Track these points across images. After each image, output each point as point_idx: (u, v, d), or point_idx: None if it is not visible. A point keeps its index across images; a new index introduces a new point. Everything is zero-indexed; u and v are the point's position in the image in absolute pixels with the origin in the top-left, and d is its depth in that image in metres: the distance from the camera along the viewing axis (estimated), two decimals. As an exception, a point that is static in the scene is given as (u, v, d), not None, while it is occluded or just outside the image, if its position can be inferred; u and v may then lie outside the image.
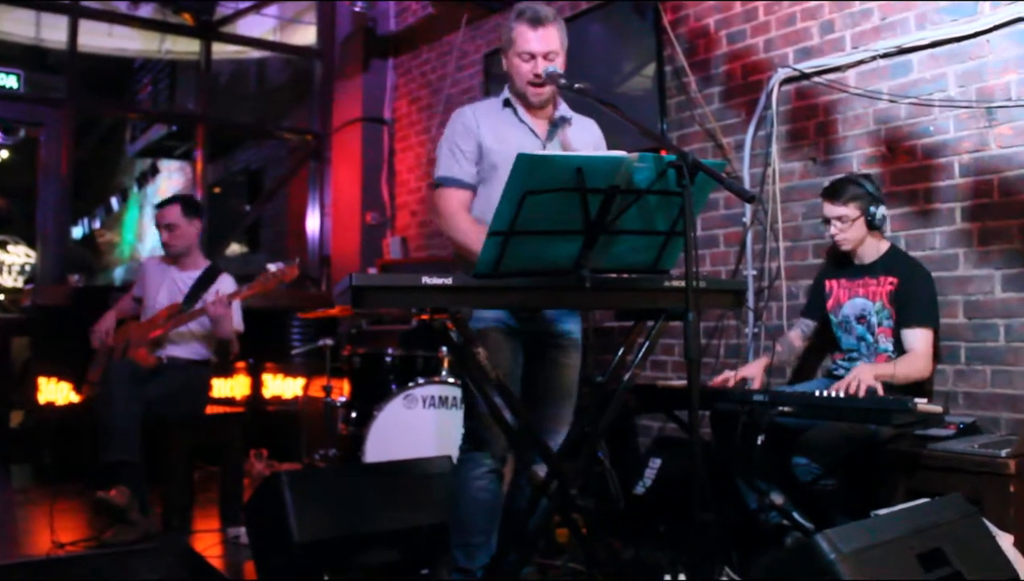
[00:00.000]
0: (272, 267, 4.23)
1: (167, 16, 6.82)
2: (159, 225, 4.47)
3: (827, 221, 3.44)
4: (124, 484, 3.83)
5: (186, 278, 4.44)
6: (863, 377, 3.07)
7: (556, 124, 2.92)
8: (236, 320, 4.38)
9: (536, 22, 2.80)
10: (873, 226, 3.39)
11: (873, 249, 3.44)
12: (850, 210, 3.36)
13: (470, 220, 2.82)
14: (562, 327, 2.89)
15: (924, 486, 2.92)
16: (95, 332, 4.37)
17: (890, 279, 3.36)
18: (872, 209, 3.35)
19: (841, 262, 3.58)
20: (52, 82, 7.62)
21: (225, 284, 4.41)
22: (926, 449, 3.01)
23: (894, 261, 3.41)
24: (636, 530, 3.73)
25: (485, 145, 2.82)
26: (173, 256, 4.48)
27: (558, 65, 2.83)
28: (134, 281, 4.73)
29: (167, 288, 4.44)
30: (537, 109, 2.90)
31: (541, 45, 2.80)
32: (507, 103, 2.91)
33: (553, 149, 2.90)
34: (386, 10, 7.13)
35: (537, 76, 2.80)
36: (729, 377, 3.47)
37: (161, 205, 4.53)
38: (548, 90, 2.84)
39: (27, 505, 4.72)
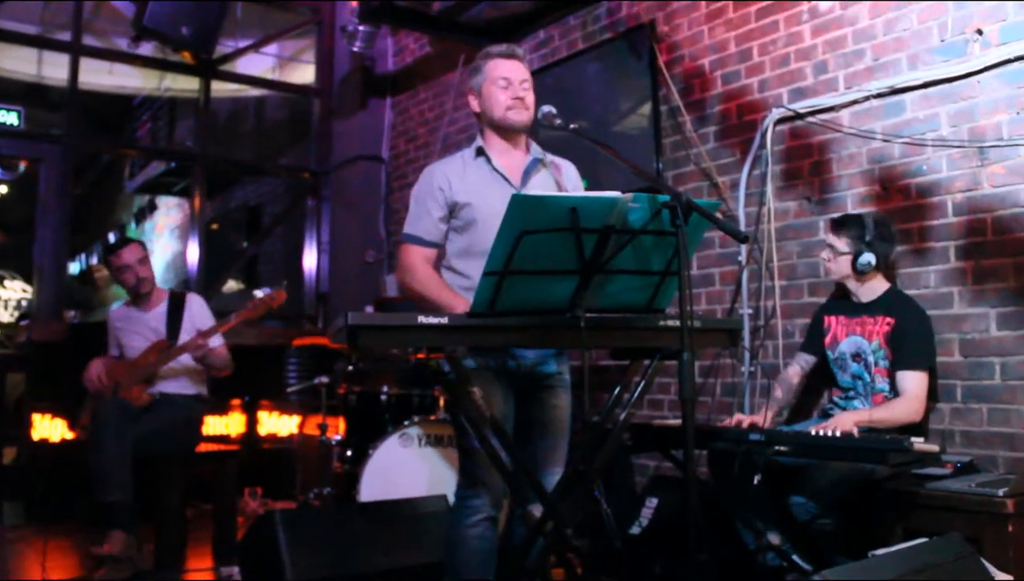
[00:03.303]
0: (259, 293, 4.21)
1: (167, 54, 6.87)
2: (126, 266, 4.34)
3: (822, 244, 3.54)
4: (118, 527, 3.80)
5: (156, 315, 4.40)
6: (841, 425, 3.08)
7: (529, 168, 2.92)
8: (220, 348, 4.34)
9: (509, 55, 2.90)
10: (856, 270, 3.41)
11: (873, 288, 3.46)
12: (840, 244, 3.43)
13: (429, 271, 2.84)
14: (549, 369, 2.88)
15: (922, 526, 2.91)
16: (87, 378, 4.31)
17: (887, 319, 3.37)
18: (863, 251, 3.37)
19: (841, 298, 3.60)
20: (52, 119, 7.66)
21: (196, 304, 4.43)
22: (923, 488, 3.00)
23: (893, 302, 3.42)
24: (632, 570, 3.71)
25: (460, 202, 2.82)
26: (146, 292, 4.39)
27: (531, 99, 2.87)
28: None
29: (143, 330, 4.38)
30: (515, 139, 2.91)
31: (515, 73, 2.87)
32: (480, 152, 2.91)
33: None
34: (384, 49, 7.20)
35: (517, 99, 2.84)
36: (741, 419, 3.46)
37: (118, 247, 4.41)
38: (528, 114, 2.86)
39: (19, 542, 4.68)
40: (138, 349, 4.34)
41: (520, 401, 2.85)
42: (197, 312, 4.39)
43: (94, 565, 3.87)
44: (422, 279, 2.82)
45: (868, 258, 3.38)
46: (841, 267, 3.45)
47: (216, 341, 4.33)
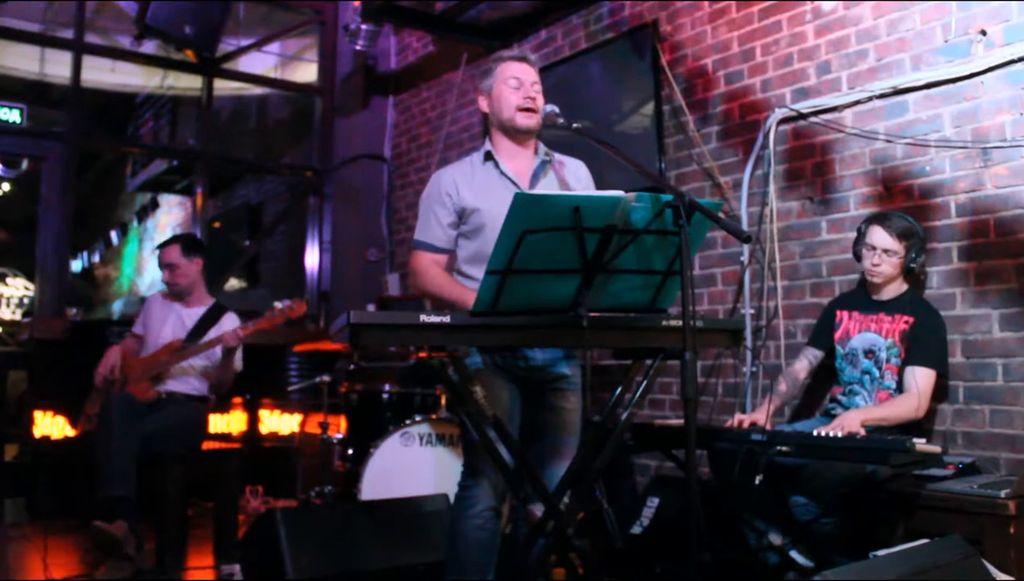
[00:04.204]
0: (279, 304, 4.24)
1: (170, 53, 6.87)
2: (161, 265, 4.51)
3: (870, 247, 3.41)
4: (121, 519, 3.80)
5: (191, 314, 4.45)
6: (847, 423, 3.07)
7: (537, 171, 2.91)
8: (236, 358, 4.37)
9: (520, 58, 2.92)
10: (908, 271, 3.41)
11: (894, 288, 3.46)
12: (899, 247, 3.36)
13: (440, 272, 2.85)
14: (558, 371, 2.87)
15: (923, 527, 2.91)
16: (100, 368, 4.33)
17: (906, 318, 3.37)
18: (914, 255, 3.37)
19: (857, 294, 3.59)
20: (55, 117, 7.67)
21: (229, 322, 4.42)
22: (925, 489, 3.00)
23: (912, 302, 3.42)
24: (634, 570, 3.70)
25: (468, 208, 2.82)
26: (177, 294, 4.51)
27: (542, 102, 2.87)
28: (135, 317, 4.72)
29: (171, 324, 4.44)
30: (524, 141, 2.90)
31: (527, 75, 2.88)
32: (488, 156, 2.91)
33: None
34: (387, 48, 7.20)
35: (528, 98, 2.84)
36: (743, 419, 3.46)
37: (162, 245, 4.57)
38: (537, 118, 2.85)
39: (20, 540, 4.69)
40: (161, 337, 4.39)
41: (529, 403, 2.85)
42: (225, 330, 4.39)
43: (96, 562, 3.87)
44: (433, 279, 2.83)
45: (921, 258, 3.41)
46: (892, 270, 3.40)
47: (237, 354, 4.36)
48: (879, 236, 3.39)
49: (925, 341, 3.31)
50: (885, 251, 3.37)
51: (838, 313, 3.59)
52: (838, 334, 3.56)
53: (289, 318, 4.26)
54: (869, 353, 3.44)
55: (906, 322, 3.36)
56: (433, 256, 2.87)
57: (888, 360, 3.39)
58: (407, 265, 2.99)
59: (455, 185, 2.86)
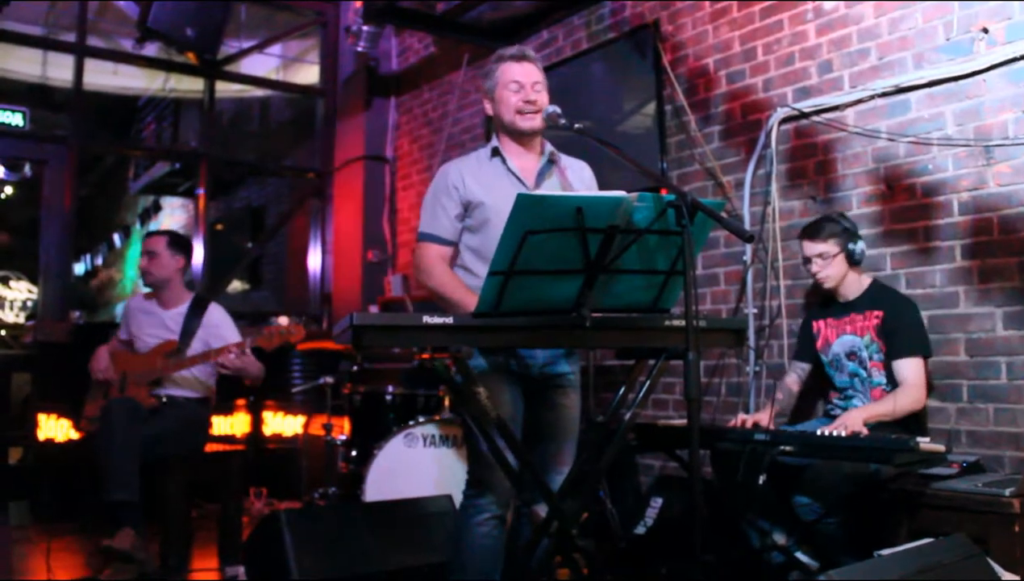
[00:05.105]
0: (275, 321, 4.21)
1: (172, 55, 6.88)
2: (143, 251, 4.44)
3: (807, 260, 3.52)
4: (126, 524, 3.79)
5: (174, 315, 4.39)
6: (850, 423, 3.07)
7: (543, 170, 2.93)
8: (248, 360, 4.32)
9: (520, 57, 2.91)
10: (853, 261, 3.46)
11: (856, 285, 3.51)
12: (829, 246, 3.45)
13: (446, 270, 2.86)
14: (559, 369, 2.88)
15: (928, 526, 2.90)
16: (93, 370, 4.33)
17: (875, 313, 3.40)
18: (851, 245, 3.43)
19: (826, 302, 3.64)
20: (57, 120, 7.68)
21: (217, 315, 4.40)
22: (929, 488, 2.99)
23: (878, 295, 3.46)
24: (637, 570, 3.70)
25: (474, 201, 2.83)
26: (149, 285, 4.44)
27: (544, 100, 2.86)
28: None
29: (157, 328, 4.38)
30: (528, 142, 2.91)
31: (527, 76, 2.88)
32: (495, 152, 2.92)
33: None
34: (388, 50, 7.20)
35: (528, 103, 2.84)
36: (745, 419, 3.48)
37: (150, 233, 4.52)
38: (539, 118, 2.86)
39: (24, 542, 4.69)
40: (149, 344, 4.36)
41: (530, 401, 2.85)
42: (216, 323, 4.36)
43: (100, 565, 3.87)
44: (439, 277, 2.83)
45: (860, 246, 3.46)
46: (837, 269, 3.47)
47: (248, 361, 4.32)
48: (807, 246, 3.51)
49: (902, 331, 3.33)
50: (819, 256, 3.47)
51: (814, 324, 3.64)
52: (819, 344, 3.61)
53: (287, 342, 4.22)
54: (851, 355, 3.47)
55: (877, 317, 3.39)
56: (440, 249, 2.87)
57: (871, 358, 3.41)
58: (412, 259, 2.99)
59: (462, 178, 2.87)
